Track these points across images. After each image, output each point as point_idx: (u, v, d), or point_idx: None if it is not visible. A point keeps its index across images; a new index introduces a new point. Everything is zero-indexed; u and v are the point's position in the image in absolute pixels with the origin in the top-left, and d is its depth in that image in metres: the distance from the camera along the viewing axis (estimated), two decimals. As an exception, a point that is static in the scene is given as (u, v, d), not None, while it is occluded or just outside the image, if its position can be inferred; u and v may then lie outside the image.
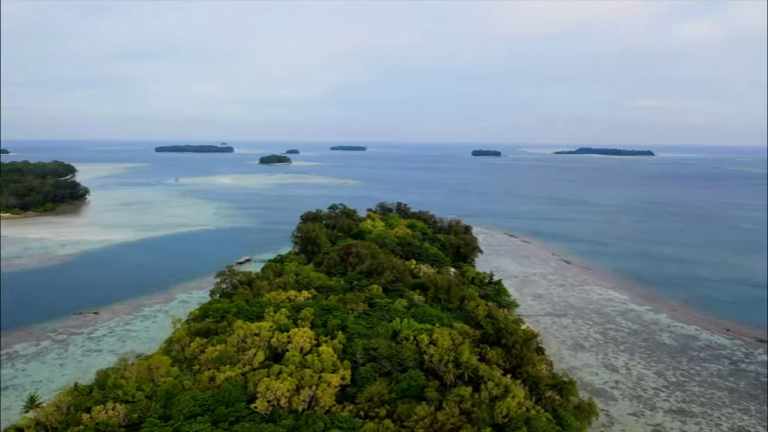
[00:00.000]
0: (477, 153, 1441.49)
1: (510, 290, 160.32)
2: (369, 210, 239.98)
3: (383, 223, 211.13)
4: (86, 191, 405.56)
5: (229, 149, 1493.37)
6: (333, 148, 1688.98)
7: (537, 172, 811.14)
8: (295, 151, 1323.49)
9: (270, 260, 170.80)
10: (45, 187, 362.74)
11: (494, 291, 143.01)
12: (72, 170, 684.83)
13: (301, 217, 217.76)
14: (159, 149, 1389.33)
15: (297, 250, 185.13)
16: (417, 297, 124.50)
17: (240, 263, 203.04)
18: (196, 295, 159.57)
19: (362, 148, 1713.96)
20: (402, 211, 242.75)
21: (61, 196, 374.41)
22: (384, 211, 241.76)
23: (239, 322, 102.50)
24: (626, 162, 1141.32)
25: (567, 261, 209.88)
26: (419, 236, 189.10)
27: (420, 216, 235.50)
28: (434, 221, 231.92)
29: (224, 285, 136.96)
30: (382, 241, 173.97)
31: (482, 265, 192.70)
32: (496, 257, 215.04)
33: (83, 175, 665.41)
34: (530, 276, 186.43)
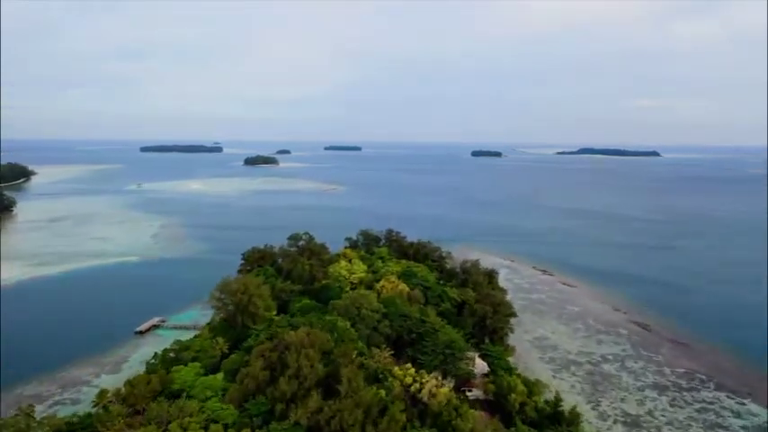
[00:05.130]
0: (476, 153, 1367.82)
1: (578, 404, 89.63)
2: (347, 239, 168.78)
3: (364, 266, 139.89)
4: (13, 202, 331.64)
5: (218, 149, 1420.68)
6: (326, 149, 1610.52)
7: (545, 175, 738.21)
8: (287, 151, 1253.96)
9: (169, 348, 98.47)
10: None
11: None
12: (27, 173, 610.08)
13: (243, 256, 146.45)
14: (144, 149, 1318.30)
15: (223, 316, 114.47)
16: None
17: (141, 332, 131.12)
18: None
19: (358, 149, 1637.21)
20: (394, 241, 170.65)
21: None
22: (368, 241, 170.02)
23: None
24: (634, 163, 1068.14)
25: (644, 327, 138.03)
26: (419, 296, 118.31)
27: (420, 250, 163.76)
28: (441, 258, 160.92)
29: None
30: (358, 312, 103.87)
31: (515, 334, 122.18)
32: (535, 318, 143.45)
33: (40, 179, 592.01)
34: (599, 364, 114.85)
